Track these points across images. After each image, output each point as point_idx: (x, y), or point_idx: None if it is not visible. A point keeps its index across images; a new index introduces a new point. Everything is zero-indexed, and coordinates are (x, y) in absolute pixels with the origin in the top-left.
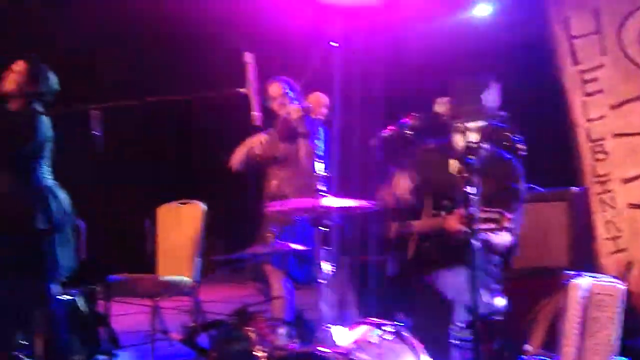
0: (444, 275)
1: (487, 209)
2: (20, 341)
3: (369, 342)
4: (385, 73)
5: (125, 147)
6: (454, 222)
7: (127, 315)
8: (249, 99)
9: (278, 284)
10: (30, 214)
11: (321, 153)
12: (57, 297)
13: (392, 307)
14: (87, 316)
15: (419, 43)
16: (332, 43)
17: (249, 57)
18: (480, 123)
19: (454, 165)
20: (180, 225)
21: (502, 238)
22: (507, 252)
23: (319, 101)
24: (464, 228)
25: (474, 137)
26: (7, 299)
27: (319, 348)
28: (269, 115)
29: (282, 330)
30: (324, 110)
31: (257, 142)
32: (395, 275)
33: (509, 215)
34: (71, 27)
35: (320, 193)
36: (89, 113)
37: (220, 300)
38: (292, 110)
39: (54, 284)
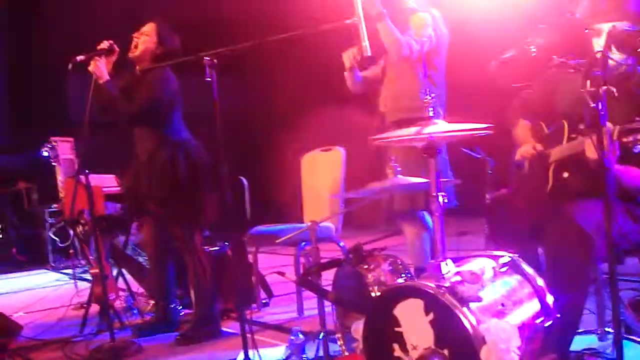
0: (584, 206)
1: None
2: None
3: (477, 274)
4: None
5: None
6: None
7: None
8: (357, 29)
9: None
10: (174, 165)
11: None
12: (206, 248)
13: (525, 240)
14: (237, 267)
15: None
16: None
17: None
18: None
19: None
20: (322, 171)
21: None
22: None
23: None
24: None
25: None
26: (165, 250)
27: (423, 282)
28: None
29: (385, 265)
30: None
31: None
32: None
33: None
34: None
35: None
36: (203, 61)
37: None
38: None
39: (200, 232)
